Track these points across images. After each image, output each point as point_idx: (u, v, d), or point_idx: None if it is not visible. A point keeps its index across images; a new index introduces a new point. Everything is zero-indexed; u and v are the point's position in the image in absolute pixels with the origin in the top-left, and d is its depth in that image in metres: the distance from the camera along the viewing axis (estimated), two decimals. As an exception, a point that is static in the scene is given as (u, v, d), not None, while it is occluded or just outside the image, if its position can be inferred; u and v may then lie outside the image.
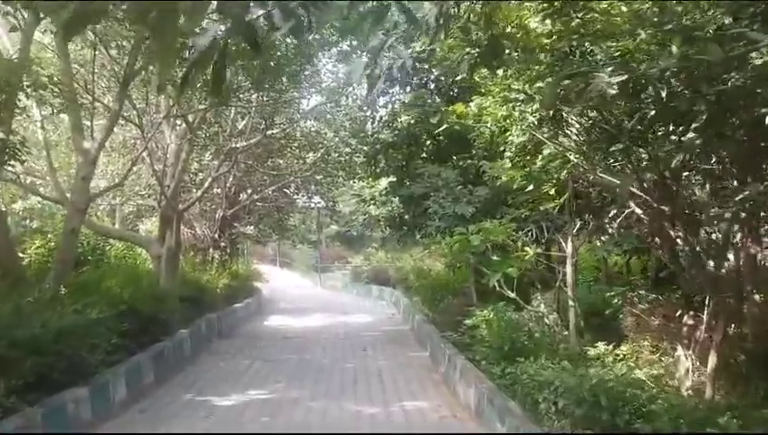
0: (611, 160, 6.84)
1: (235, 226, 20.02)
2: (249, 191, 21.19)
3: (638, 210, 7.05)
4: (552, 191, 8.86)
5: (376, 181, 19.16)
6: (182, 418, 8.40)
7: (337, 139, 19.71)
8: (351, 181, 23.74)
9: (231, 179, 19.81)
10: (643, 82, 4.43)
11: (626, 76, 3.21)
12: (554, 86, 3.20)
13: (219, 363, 12.15)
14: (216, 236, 20.08)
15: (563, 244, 9.92)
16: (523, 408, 7.33)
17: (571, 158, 7.08)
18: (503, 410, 7.18)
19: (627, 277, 14.93)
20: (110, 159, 18.48)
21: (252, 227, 21.10)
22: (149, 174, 13.96)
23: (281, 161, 21.39)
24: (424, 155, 16.39)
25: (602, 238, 12.34)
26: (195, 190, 15.64)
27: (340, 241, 47.58)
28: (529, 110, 6.62)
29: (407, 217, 16.72)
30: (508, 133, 7.16)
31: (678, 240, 6.43)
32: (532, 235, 10.57)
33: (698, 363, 7.00)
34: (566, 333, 10.82)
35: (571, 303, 9.65)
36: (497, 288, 10.33)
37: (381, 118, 17.24)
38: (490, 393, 7.97)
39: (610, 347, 8.36)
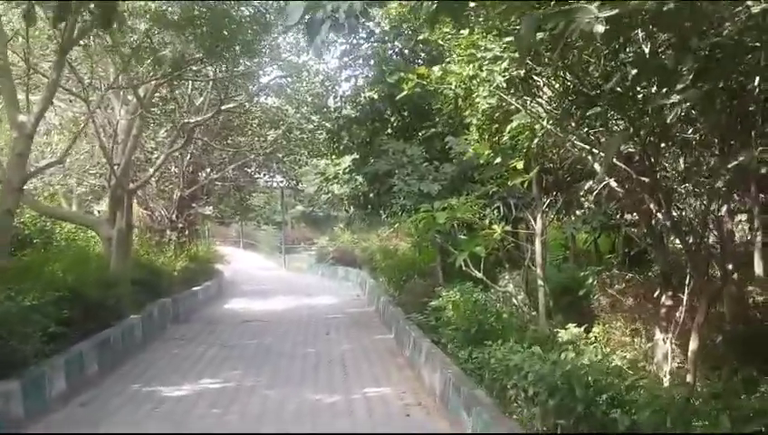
0: (586, 129, 6.36)
1: (193, 206, 19.24)
2: (208, 170, 20.40)
3: (614, 183, 6.58)
4: (521, 166, 8.37)
5: (339, 159, 18.57)
6: (127, 411, 7.80)
7: (299, 115, 19.01)
8: (315, 160, 23.13)
9: (188, 158, 19.00)
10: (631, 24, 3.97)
11: (617, 10, 2.70)
12: (529, 30, 2.69)
13: (173, 350, 11.51)
14: (174, 217, 19.29)
15: (532, 221, 9.48)
16: (491, 394, 6.90)
17: (545, 124, 6.55)
18: (469, 398, 6.72)
19: (595, 256, 14.64)
20: (61, 139, 17.55)
21: (211, 208, 20.33)
22: (100, 152, 13.11)
23: (241, 139, 20.62)
24: (389, 131, 15.82)
25: (571, 216, 12.02)
26: (151, 170, 14.82)
27: (306, 222, 46.86)
28: (497, 69, 6.07)
29: (371, 195, 16.17)
30: (475, 95, 6.61)
31: (659, 214, 5.98)
32: (499, 212, 10.10)
33: (676, 346, 6.62)
34: (535, 313, 10.45)
35: (540, 283, 9.24)
36: (464, 268, 9.87)
37: (344, 93, 16.60)
38: (456, 379, 7.52)
39: (582, 329, 7.95)
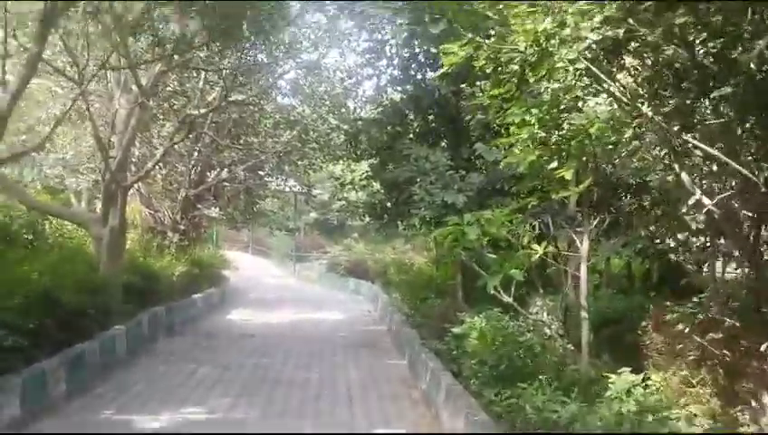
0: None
1: (199, 207, 18.02)
2: (217, 170, 19.18)
3: (706, 200, 5.20)
4: (569, 175, 7.02)
5: (356, 164, 17.35)
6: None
7: (315, 115, 17.77)
8: (330, 165, 21.90)
9: (196, 155, 17.80)
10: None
11: None
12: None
13: (159, 368, 10.22)
14: (179, 217, 18.07)
15: (576, 241, 8.10)
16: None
17: (645, 110, 5.09)
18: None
19: (628, 282, 13.23)
20: (64, 131, 16.46)
21: (217, 210, 19.11)
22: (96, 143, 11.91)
23: (254, 139, 19.40)
24: (411, 136, 14.51)
25: (614, 237, 10.65)
26: (150, 164, 13.60)
27: (320, 229, 45.61)
28: (587, 24, 4.69)
29: (389, 204, 14.88)
30: (557, 57, 5.18)
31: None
32: (535, 229, 8.72)
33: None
34: (571, 347, 9.06)
35: (583, 314, 7.84)
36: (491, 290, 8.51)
37: (365, 92, 15.37)
38: (485, 430, 6.17)
39: (639, 377, 6.57)
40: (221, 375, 9.91)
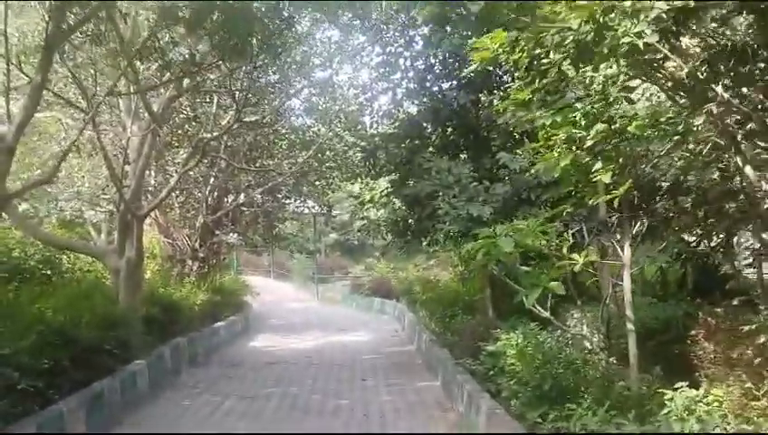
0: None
1: (217, 233, 17.69)
2: (234, 195, 18.88)
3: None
4: (607, 178, 6.55)
5: (375, 181, 16.92)
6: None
7: (330, 133, 17.42)
8: (348, 184, 21.52)
9: (212, 181, 17.51)
10: None
11: None
12: None
13: (183, 402, 9.80)
14: (197, 245, 17.75)
15: (617, 248, 7.58)
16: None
17: (719, 91, 4.57)
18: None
19: (662, 289, 12.63)
20: (79, 162, 16.27)
21: (236, 235, 18.78)
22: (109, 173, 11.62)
23: (270, 162, 19.08)
24: (431, 150, 14.06)
25: (652, 242, 10.11)
26: (164, 192, 13.27)
27: (341, 250, 45.23)
28: None
29: (411, 220, 14.42)
30: (621, 31, 4.60)
31: None
32: (571, 237, 8.19)
33: None
34: (613, 360, 8.51)
35: (629, 326, 7.31)
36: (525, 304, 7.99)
37: (380, 107, 14.97)
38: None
39: (699, 392, 6.03)
40: (248, 407, 9.48)
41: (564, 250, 6.95)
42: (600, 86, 5.33)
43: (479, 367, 9.62)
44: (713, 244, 10.86)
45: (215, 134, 13.00)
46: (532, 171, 11.22)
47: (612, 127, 5.75)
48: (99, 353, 9.07)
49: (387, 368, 12.85)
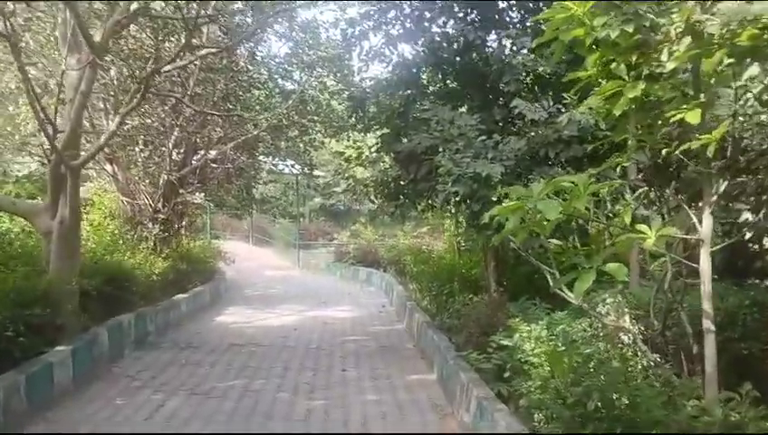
0: None
1: (181, 192, 15.53)
2: (203, 151, 16.67)
3: None
4: (696, 119, 4.55)
5: (363, 136, 14.89)
6: None
7: (312, 79, 15.20)
8: (333, 141, 19.42)
9: (177, 133, 15.30)
10: None
11: None
12: None
13: (115, 401, 7.74)
14: (160, 206, 15.61)
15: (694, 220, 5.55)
16: None
17: None
18: None
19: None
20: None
21: (202, 195, 16.62)
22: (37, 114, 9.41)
23: (245, 115, 16.87)
24: (431, 98, 11.93)
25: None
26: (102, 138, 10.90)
27: (325, 215, 43.21)
28: None
29: (404, 182, 12.38)
30: None
31: None
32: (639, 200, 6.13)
33: None
34: (664, 363, 6.57)
35: (708, 325, 5.33)
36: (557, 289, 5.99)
37: (371, 48, 12.72)
38: None
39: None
40: (196, 409, 7.48)
41: (626, 219, 4.96)
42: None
43: (486, 364, 7.67)
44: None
45: (168, 67, 10.73)
46: (559, 121, 9.37)
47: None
48: (5, 340, 7.07)
49: (372, 354, 10.92)
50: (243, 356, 10.47)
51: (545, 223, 4.89)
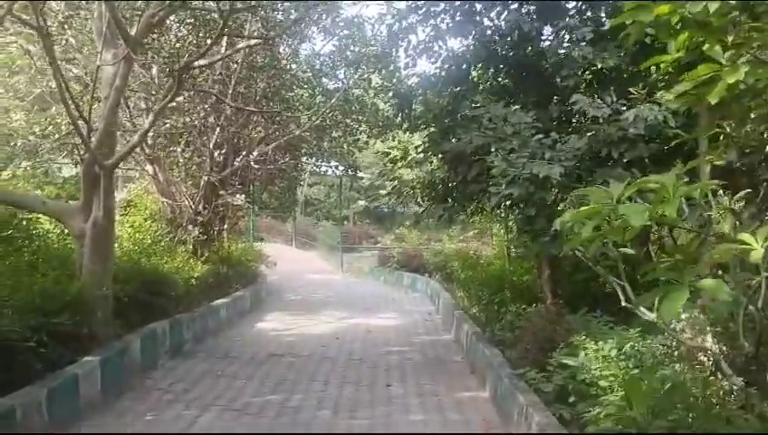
0: None
1: (221, 194, 15.10)
2: (245, 151, 16.23)
3: None
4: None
5: (409, 136, 14.24)
6: None
7: (357, 76, 14.61)
8: (378, 142, 18.80)
9: (218, 132, 14.87)
10: None
11: None
12: None
13: (145, 416, 7.26)
14: (201, 208, 15.21)
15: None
16: None
17: None
18: None
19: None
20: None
21: (243, 197, 16.18)
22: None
23: (287, 114, 16.38)
24: (482, 95, 11.18)
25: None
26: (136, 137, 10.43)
27: (370, 218, 42.74)
28: None
29: (452, 183, 11.68)
30: None
31: None
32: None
33: None
34: (750, 387, 5.74)
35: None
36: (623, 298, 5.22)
37: (419, 44, 12.04)
38: None
39: None
40: (231, 426, 6.94)
41: (726, 227, 4.20)
42: None
43: (546, 385, 6.93)
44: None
45: (204, 62, 10.25)
46: (624, 118, 8.59)
47: None
48: (27, 352, 6.61)
49: (419, 367, 10.24)
50: (281, 367, 9.90)
51: (626, 230, 4.16)
